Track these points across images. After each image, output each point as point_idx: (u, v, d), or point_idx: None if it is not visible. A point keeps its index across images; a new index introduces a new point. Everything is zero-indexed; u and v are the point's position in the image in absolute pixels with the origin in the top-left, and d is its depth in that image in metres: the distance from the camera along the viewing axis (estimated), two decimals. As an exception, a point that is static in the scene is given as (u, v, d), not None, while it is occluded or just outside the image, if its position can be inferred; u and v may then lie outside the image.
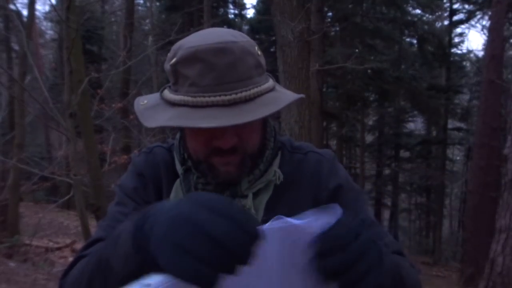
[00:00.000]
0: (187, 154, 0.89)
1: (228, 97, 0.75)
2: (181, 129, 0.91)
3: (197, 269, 0.54)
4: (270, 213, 0.85)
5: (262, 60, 0.84)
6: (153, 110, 0.81)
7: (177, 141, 0.93)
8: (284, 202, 0.89)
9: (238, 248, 0.55)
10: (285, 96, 0.82)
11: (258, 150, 0.87)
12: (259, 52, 0.83)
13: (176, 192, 0.88)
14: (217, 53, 0.76)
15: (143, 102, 0.84)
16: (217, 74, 0.76)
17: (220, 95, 0.75)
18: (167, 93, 0.82)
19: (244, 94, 0.76)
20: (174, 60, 0.79)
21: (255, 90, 0.78)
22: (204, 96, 0.76)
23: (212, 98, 0.75)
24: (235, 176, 0.84)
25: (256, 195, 0.88)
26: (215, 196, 0.61)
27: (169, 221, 0.57)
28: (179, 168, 0.91)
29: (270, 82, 0.83)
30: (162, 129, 8.51)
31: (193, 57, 0.77)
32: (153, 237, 0.58)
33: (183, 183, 0.88)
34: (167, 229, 0.57)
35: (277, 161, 0.92)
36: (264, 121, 0.89)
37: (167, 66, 0.82)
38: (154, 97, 0.85)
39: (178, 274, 0.55)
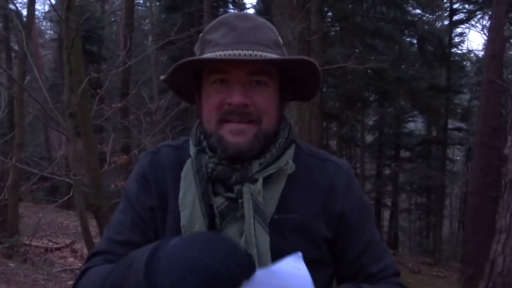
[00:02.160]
0: (203, 135, 0.90)
1: (245, 51, 0.80)
2: (199, 106, 0.92)
3: None
4: (281, 213, 0.87)
5: (283, 47, 0.90)
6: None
7: (195, 127, 0.95)
8: (296, 205, 0.89)
9: (222, 285, 0.65)
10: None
11: (271, 132, 0.87)
12: (281, 39, 0.90)
13: (187, 171, 0.88)
14: (241, 18, 0.85)
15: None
16: (238, 34, 0.83)
17: (237, 50, 0.80)
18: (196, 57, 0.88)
19: (260, 53, 0.81)
20: (203, 32, 0.88)
21: (270, 55, 0.82)
22: (222, 51, 0.80)
23: (230, 52, 0.80)
24: (245, 150, 0.84)
25: (266, 183, 0.86)
26: (209, 236, 0.72)
27: (167, 260, 0.67)
28: (192, 149, 0.92)
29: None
30: (162, 129, 8.51)
31: (220, 23, 0.86)
32: (156, 276, 0.68)
33: (194, 162, 0.88)
34: (165, 269, 0.67)
35: (291, 152, 0.91)
36: (279, 105, 0.90)
37: (198, 42, 0.90)
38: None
39: None
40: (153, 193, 0.92)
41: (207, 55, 0.83)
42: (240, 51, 0.80)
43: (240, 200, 0.84)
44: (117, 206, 0.98)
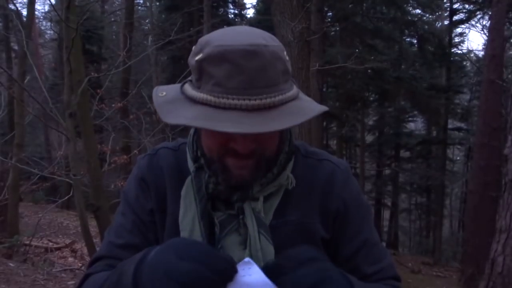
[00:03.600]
0: (201, 151, 0.88)
1: (252, 102, 0.73)
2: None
3: None
4: (279, 217, 0.87)
5: (289, 66, 0.81)
6: (173, 105, 0.78)
7: (191, 137, 0.93)
8: (293, 208, 0.89)
9: (205, 286, 0.66)
10: (308, 106, 0.80)
11: (274, 156, 0.86)
12: (287, 57, 0.81)
13: (187, 189, 0.87)
14: (247, 56, 0.73)
15: (162, 94, 0.81)
16: (245, 77, 0.73)
17: (244, 99, 0.73)
18: (189, 89, 0.79)
19: (269, 100, 0.74)
20: (200, 56, 0.76)
21: (280, 97, 0.76)
22: (228, 98, 0.73)
23: (236, 102, 0.73)
24: (248, 180, 0.83)
25: (266, 198, 0.87)
26: (189, 242, 0.72)
27: (149, 270, 0.69)
28: (191, 166, 0.90)
29: (295, 90, 0.81)
30: (162, 129, 8.51)
31: (222, 57, 0.74)
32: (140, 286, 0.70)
33: (194, 181, 0.87)
34: (147, 278, 0.68)
35: (290, 165, 0.91)
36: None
37: (191, 60, 0.79)
38: (173, 90, 0.82)
39: None
40: (152, 195, 0.92)
41: (214, 115, 0.74)
42: (247, 102, 0.73)
43: (241, 216, 0.85)
44: (117, 208, 0.98)
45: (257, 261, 0.79)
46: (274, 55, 0.76)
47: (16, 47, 14.51)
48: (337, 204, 0.91)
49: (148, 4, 17.33)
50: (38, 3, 22.79)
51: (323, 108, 0.80)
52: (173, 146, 0.98)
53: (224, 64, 0.73)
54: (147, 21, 18.26)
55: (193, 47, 0.81)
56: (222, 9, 17.95)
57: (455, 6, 15.20)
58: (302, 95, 0.83)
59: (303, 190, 0.90)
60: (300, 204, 0.89)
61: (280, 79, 0.77)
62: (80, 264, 6.68)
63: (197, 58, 0.77)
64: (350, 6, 12.12)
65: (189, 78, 0.83)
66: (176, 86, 0.84)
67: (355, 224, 0.92)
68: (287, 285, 0.70)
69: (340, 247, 0.92)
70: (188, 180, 0.88)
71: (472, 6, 14.67)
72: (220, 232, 0.85)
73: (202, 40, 0.79)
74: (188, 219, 0.85)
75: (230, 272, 0.69)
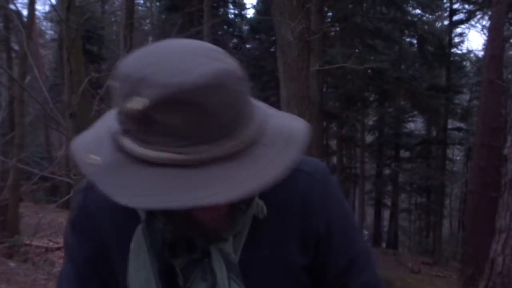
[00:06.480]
0: None
1: (224, 150, 0.56)
2: None
3: None
4: (249, 250, 0.73)
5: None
6: (117, 172, 0.57)
7: None
8: (265, 237, 0.74)
9: None
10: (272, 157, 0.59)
11: None
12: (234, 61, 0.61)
13: (138, 243, 0.70)
14: (209, 91, 0.54)
15: (93, 159, 0.59)
16: (209, 119, 0.55)
17: (212, 149, 0.56)
18: (133, 146, 0.57)
19: (236, 148, 0.57)
20: (144, 103, 0.54)
21: (247, 138, 0.58)
22: (195, 152, 0.55)
23: (207, 154, 0.55)
24: (223, 228, 0.68)
25: (235, 235, 0.72)
26: None
27: None
28: (141, 212, 0.71)
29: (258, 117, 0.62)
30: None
31: (175, 100, 0.53)
32: None
33: (146, 232, 0.69)
34: None
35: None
36: None
37: (123, 106, 0.57)
38: (103, 148, 0.60)
39: None
40: (89, 242, 0.77)
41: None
42: (216, 152, 0.56)
43: (206, 260, 0.70)
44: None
45: None
46: (235, 77, 0.58)
47: (16, 47, 14.53)
48: (317, 225, 0.77)
49: (148, 4, 17.35)
50: (39, 3, 22.82)
51: (287, 160, 0.59)
52: None
53: (179, 108, 0.54)
54: (147, 21, 18.27)
55: (114, 85, 0.60)
56: (222, 9, 17.96)
57: (455, 6, 15.20)
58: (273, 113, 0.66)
59: (276, 213, 0.74)
60: (273, 232, 0.74)
61: (246, 108, 0.59)
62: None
63: (142, 107, 0.54)
64: (350, 6, 12.14)
65: (114, 125, 0.60)
66: (102, 139, 0.61)
67: (342, 240, 0.80)
68: None
69: (327, 267, 0.80)
70: (138, 231, 0.70)
71: (472, 6, 14.67)
72: (185, 283, 0.69)
73: (124, 73, 0.58)
74: (141, 279, 0.70)
75: None
